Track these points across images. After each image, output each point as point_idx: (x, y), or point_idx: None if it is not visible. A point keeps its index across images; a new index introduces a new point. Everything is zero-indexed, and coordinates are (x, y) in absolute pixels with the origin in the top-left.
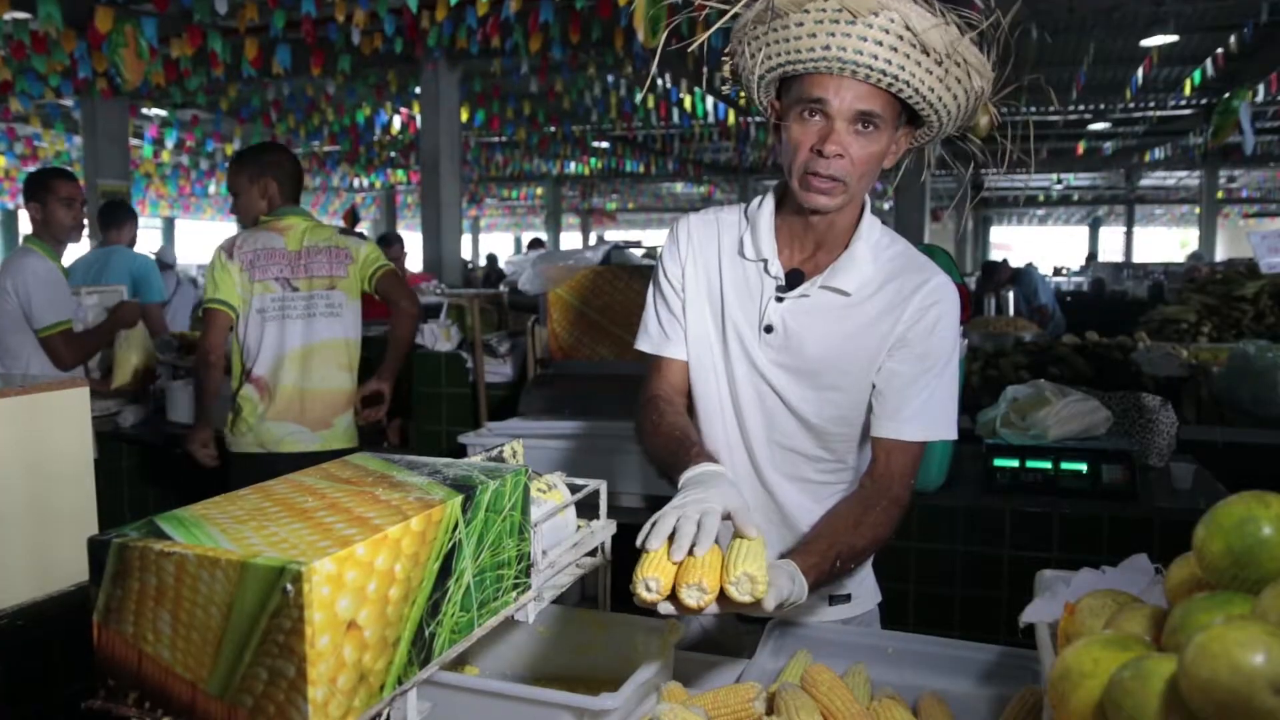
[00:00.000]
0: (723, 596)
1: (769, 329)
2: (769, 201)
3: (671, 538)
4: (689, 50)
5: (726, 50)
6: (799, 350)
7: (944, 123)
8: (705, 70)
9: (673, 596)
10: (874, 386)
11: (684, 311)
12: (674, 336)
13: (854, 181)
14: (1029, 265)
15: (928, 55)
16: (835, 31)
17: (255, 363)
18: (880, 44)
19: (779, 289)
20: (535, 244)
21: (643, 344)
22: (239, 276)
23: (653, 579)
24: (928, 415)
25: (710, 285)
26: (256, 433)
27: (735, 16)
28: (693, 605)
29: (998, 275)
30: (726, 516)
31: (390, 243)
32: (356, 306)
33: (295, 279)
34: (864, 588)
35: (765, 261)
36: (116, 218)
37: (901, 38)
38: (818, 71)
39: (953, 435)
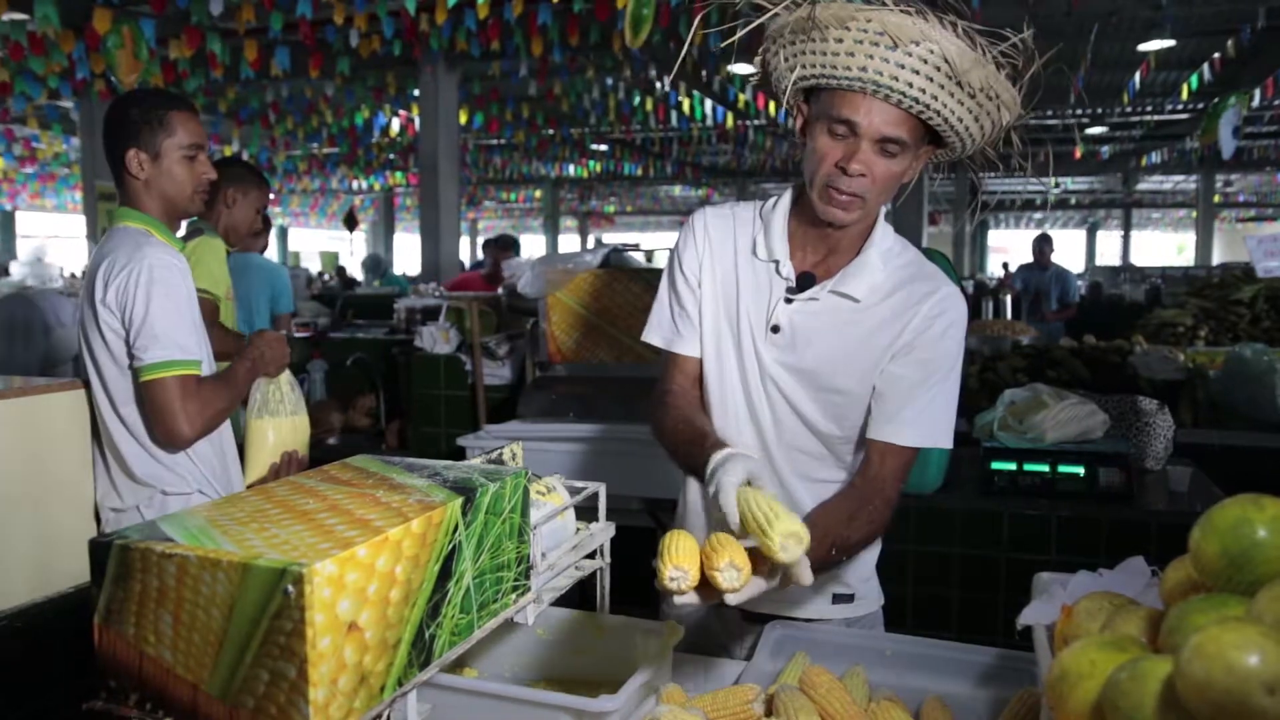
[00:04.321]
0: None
1: (775, 329)
2: (784, 202)
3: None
4: (687, 52)
5: (760, 49)
6: (803, 352)
7: (966, 148)
8: (705, 72)
9: (700, 584)
10: (874, 389)
11: (700, 307)
12: (686, 333)
13: (872, 198)
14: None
15: (961, 88)
16: (874, 54)
17: None
18: (917, 72)
19: (789, 290)
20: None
21: (653, 336)
22: None
23: (679, 571)
24: (926, 422)
25: (725, 281)
26: None
27: (770, 17)
28: (732, 585)
29: (1044, 254)
30: (748, 483)
31: (505, 246)
32: None
33: None
34: (868, 588)
35: (777, 263)
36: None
37: (938, 69)
38: (850, 89)
39: (948, 444)
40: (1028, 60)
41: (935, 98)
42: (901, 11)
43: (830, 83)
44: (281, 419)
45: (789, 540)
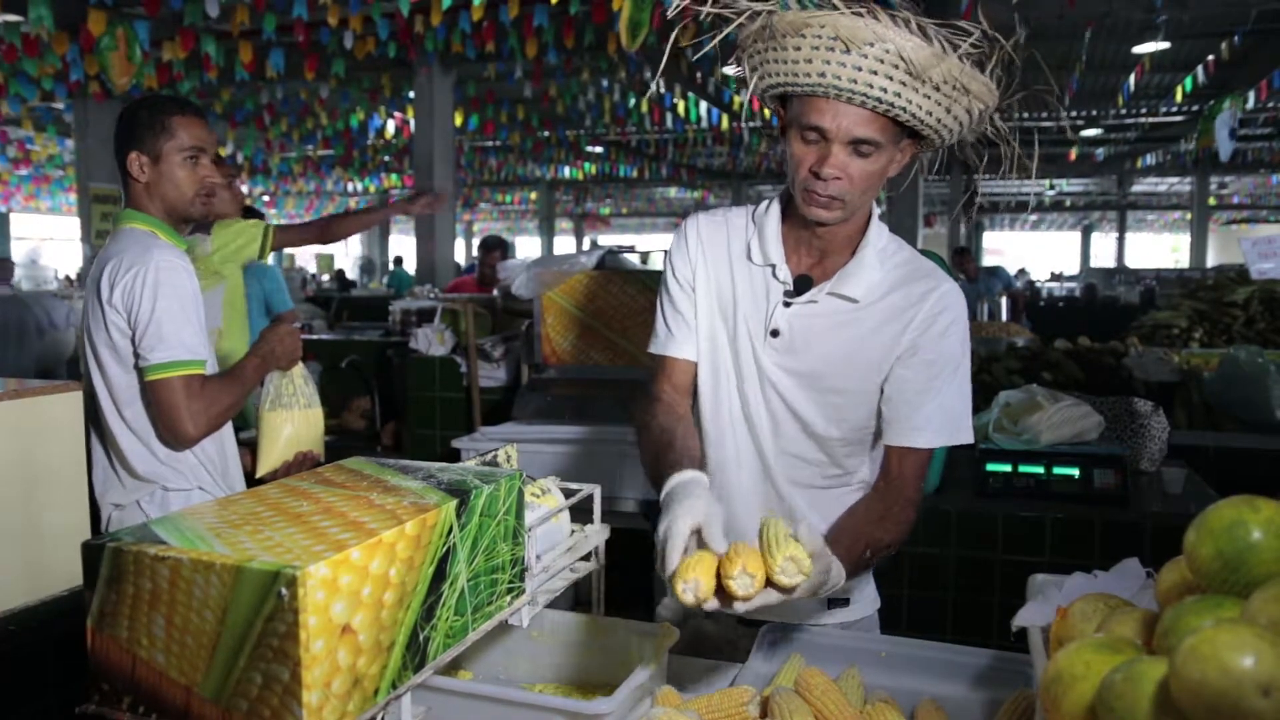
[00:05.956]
0: (767, 583)
1: (775, 333)
2: (776, 206)
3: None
4: (682, 54)
5: (733, 57)
6: (804, 355)
7: (946, 140)
8: (699, 74)
9: (717, 590)
10: (883, 393)
11: (695, 311)
12: (679, 335)
13: (854, 198)
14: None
15: (924, 83)
16: (831, 60)
17: None
18: (875, 73)
19: (786, 294)
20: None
21: (652, 346)
22: None
23: (688, 585)
24: (939, 422)
25: (720, 287)
26: None
27: (735, 27)
28: (745, 592)
29: (964, 265)
30: (696, 530)
31: (491, 248)
32: None
33: None
34: (864, 593)
35: (774, 267)
36: None
37: (897, 67)
38: (815, 94)
39: (968, 439)
40: (993, 48)
41: (899, 95)
42: (854, 14)
43: (795, 89)
44: (295, 411)
45: (788, 564)
